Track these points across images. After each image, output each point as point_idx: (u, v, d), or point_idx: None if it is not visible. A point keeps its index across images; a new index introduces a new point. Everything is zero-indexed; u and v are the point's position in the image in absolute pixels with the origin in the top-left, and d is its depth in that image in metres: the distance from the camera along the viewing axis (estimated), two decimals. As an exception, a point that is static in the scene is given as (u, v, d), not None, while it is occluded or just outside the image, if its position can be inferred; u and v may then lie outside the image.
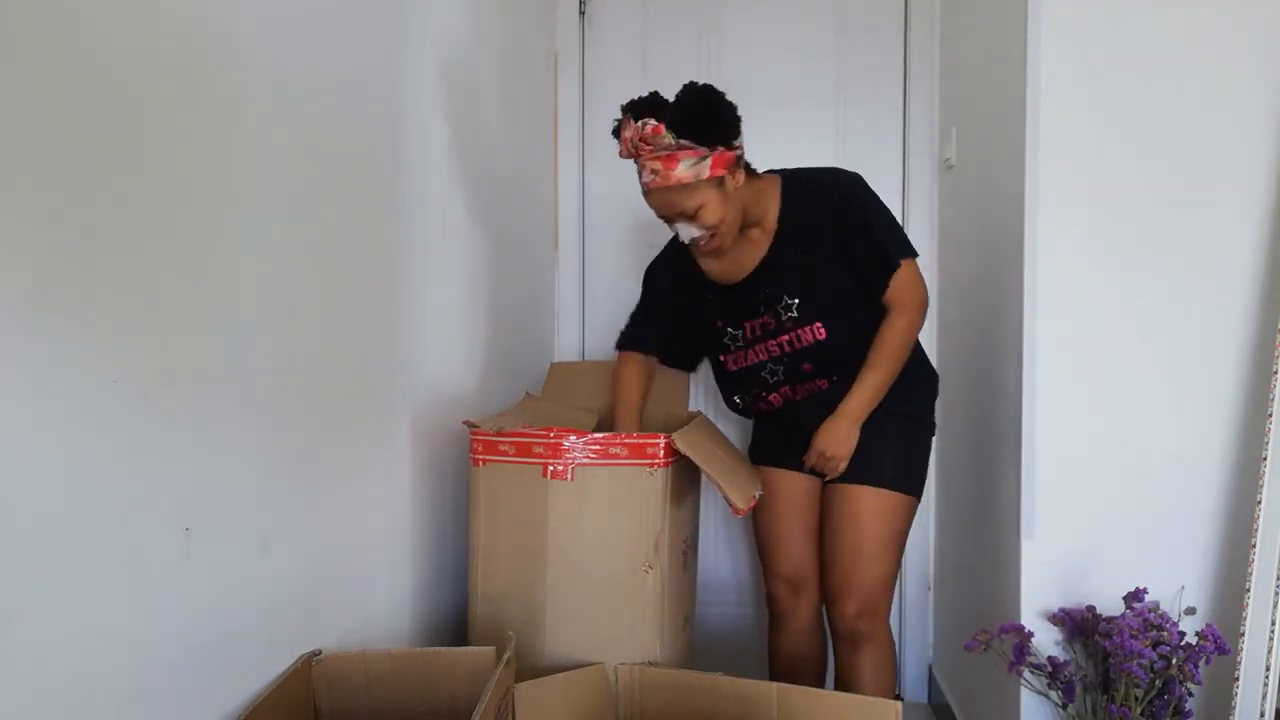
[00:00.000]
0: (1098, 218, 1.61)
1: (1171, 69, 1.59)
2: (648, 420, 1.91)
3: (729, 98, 1.54)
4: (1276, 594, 1.43)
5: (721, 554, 2.71)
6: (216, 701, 1.05)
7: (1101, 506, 1.63)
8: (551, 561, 1.56)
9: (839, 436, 1.69)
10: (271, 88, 1.13)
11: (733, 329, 1.74)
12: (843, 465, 1.71)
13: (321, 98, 1.27)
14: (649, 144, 1.51)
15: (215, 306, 1.03)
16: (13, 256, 0.75)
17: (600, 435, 1.57)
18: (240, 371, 1.07)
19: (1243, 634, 1.45)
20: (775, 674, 1.89)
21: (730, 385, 1.84)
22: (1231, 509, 1.60)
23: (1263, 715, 1.43)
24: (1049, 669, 1.56)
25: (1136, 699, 1.46)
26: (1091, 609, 1.58)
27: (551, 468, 1.56)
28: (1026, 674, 1.58)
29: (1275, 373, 1.48)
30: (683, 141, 1.50)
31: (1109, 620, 1.51)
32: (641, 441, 1.56)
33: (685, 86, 1.52)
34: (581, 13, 2.68)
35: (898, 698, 1.60)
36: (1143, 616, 1.50)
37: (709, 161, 1.52)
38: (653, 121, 1.49)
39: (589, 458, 1.56)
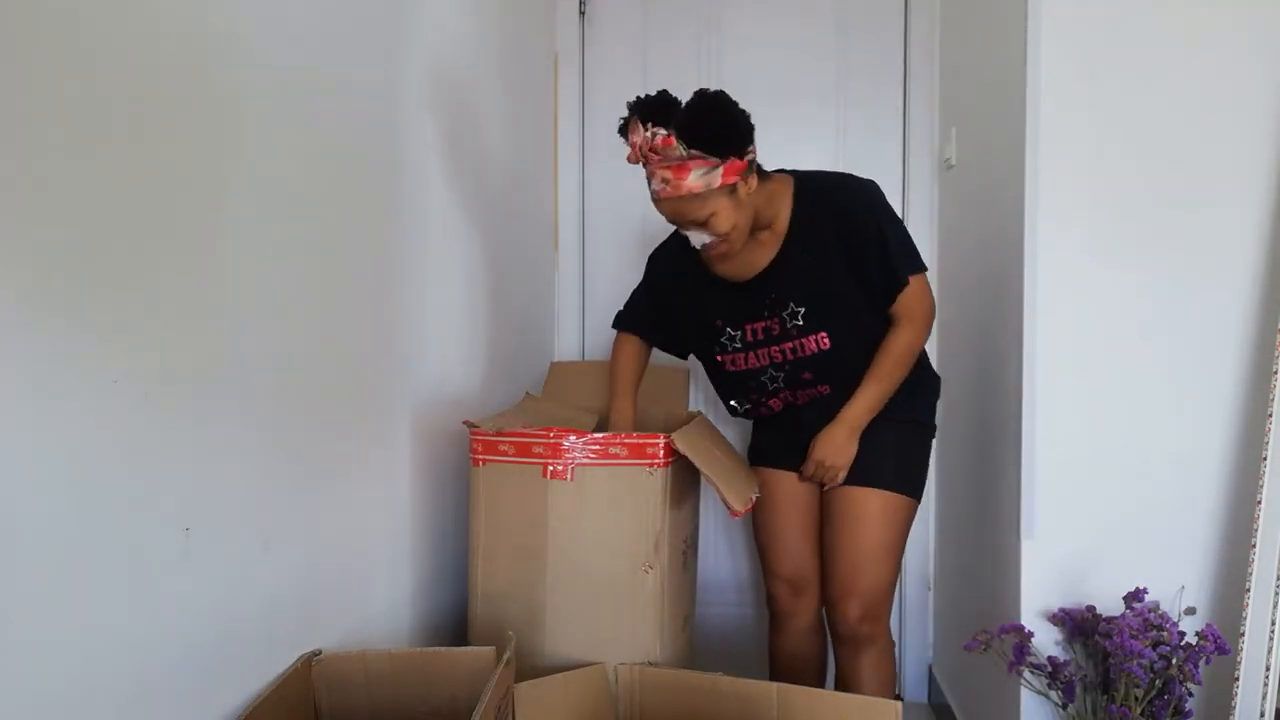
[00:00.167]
0: (1098, 218, 1.61)
1: (1171, 69, 1.59)
2: (648, 420, 1.91)
3: (739, 104, 1.51)
4: (1276, 594, 1.43)
5: (721, 554, 2.71)
6: (216, 701, 1.05)
7: (1101, 506, 1.63)
8: (551, 561, 1.56)
9: (837, 445, 1.68)
10: (271, 87, 1.13)
11: (732, 329, 1.72)
12: (842, 475, 1.70)
13: (321, 98, 1.27)
14: (659, 154, 1.47)
15: (215, 306, 1.03)
16: (13, 256, 0.75)
17: (600, 435, 1.57)
18: (240, 371, 1.07)
19: (1243, 634, 1.45)
20: (776, 675, 1.88)
21: (728, 388, 1.82)
22: (1231, 509, 1.60)
23: (1263, 715, 1.43)
24: (1049, 669, 1.56)
25: (1136, 699, 1.46)
26: (1091, 609, 1.58)
27: (551, 468, 1.56)
28: (1026, 674, 1.58)
29: (1275, 373, 1.48)
30: (694, 151, 1.46)
31: (1109, 620, 1.51)
32: (641, 441, 1.56)
33: (697, 94, 1.48)
34: (581, 13, 2.68)
35: (898, 698, 1.60)
36: (1143, 616, 1.50)
37: (720, 170, 1.48)
38: (663, 132, 1.45)
39: (589, 458, 1.56)
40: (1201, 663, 1.45)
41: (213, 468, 1.02)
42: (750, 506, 1.69)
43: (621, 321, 1.89)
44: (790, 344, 1.67)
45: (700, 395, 2.58)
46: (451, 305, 1.80)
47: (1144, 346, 1.62)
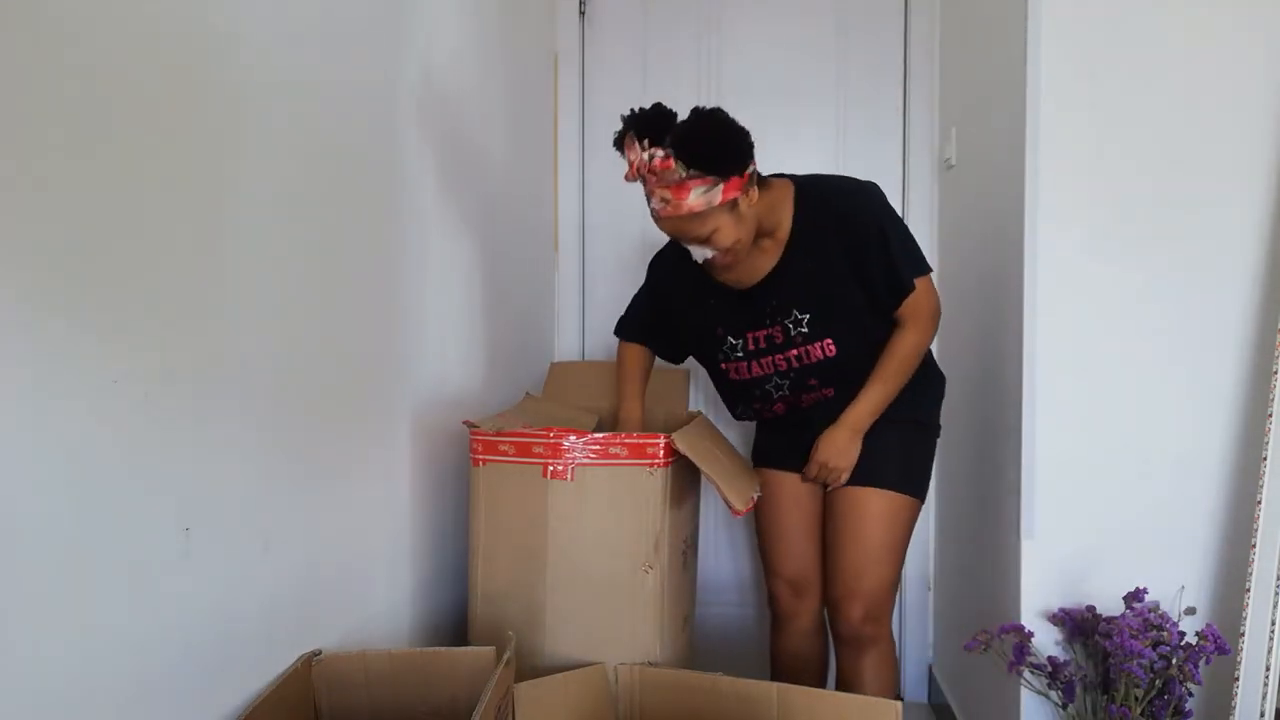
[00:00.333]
0: (1098, 218, 1.61)
1: (1171, 69, 1.59)
2: (649, 420, 1.91)
3: (737, 115, 1.47)
4: (1276, 594, 1.43)
5: (722, 554, 2.71)
6: (216, 701, 1.05)
7: (1102, 506, 1.63)
8: (551, 561, 1.56)
9: (840, 447, 1.68)
10: (271, 88, 1.13)
11: (733, 338, 1.70)
12: (845, 476, 1.70)
13: (321, 98, 1.27)
14: (657, 175, 1.45)
15: (215, 306, 1.03)
16: (13, 256, 0.75)
17: (600, 435, 1.57)
18: (240, 371, 1.07)
19: (1243, 634, 1.45)
20: (777, 675, 1.88)
21: (732, 396, 1.82)
22: (1231, 509, 1.60)
23: (1263, 715, 1.43)
24: (1049, 669, 1.56)
25: (1136, 699, 1.46)
26: (1091, 609, 1.58)
27: (551, 468, 1.56)
28: (1026, 674, 1.58)
29: (1275, 373, 1.48)
30: (693, 171, 1.44)
31: (1109, 620, 1.51)
32: (641, 441, 1.56)
33: (694, 113, 1.45)
34: (581, 13, 2.68)
35: (898, 698, 1.60)
36: (1143, 616, 1.50)
37: (721, 188, 1.46)
38: (660, 154, 1.42)
39: (589, 458, 1.56)
40: (1201, 663, 1.45)
41: (213, 468, 1.02)
42: (752, 505, 1.69)
43: (623, 330, 1.89)
44: (795, 351, 1.66)
45: (700, 395, 2.58)
46: (451, 305, 1.80)
47: (1144, 346, 1.62)
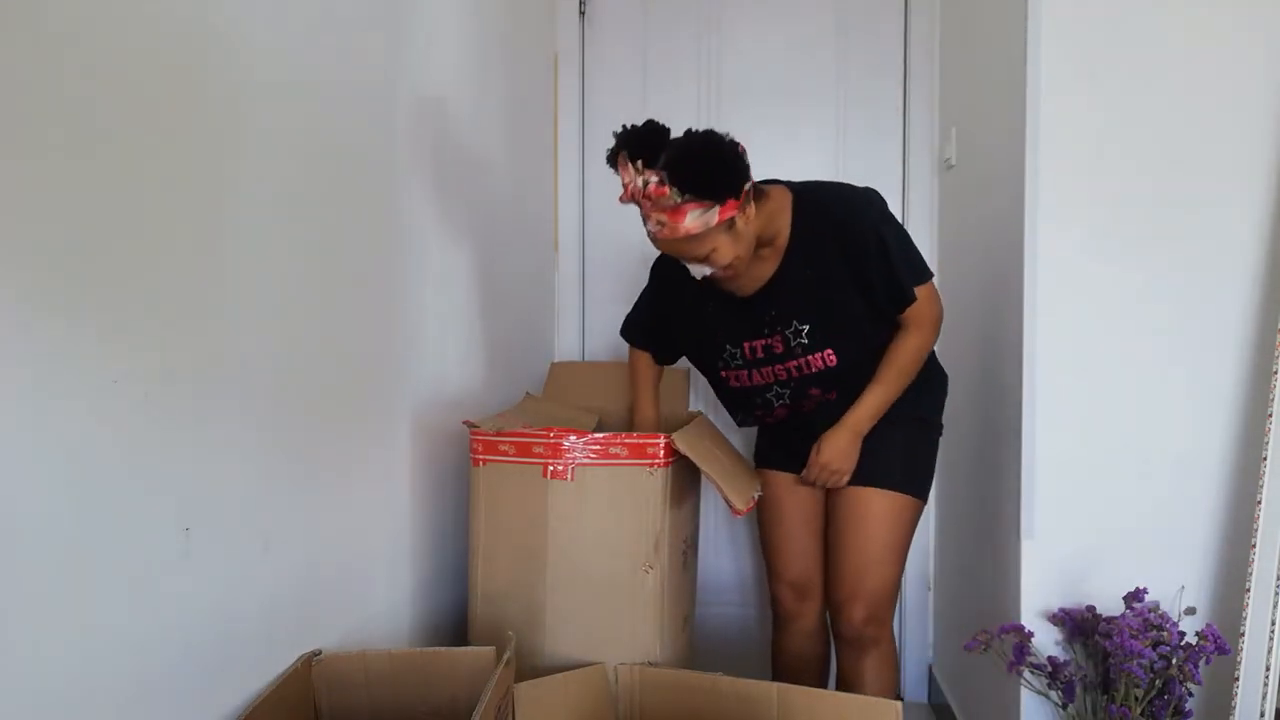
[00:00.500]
0: (1098, 217, 1.61)
1: (1171, 69, 1.59)
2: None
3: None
4: (1276, 594, 1.43)
5: (723, 554, 2.71)
6: (216, 701, 1.05)
7: (1101, 506, 1.63)
8: (551, 561, 1.56)
9: (841, 450, 1.67)
10: (271, 88, 1.13)
11: (731, 346, 1.70)
12: (845, 479, 1.69)
13: (322, 97, 1.27)
14: (651, 201, 1.43)
15: (215, 306, 1.03)
16: (13, 256, 0.75)
17: (600, 435, 1.57)
18: (240, 371, 1.07)
19: (1243, 634, 1.45)
20: (778, 675, 1.88)
21: (733, 403, 1.81)
22: (1231, 509, 1.60)
23: (1263, 715, 1.43)
24: (1049, 669, 1.56)
25: (1136, 699, 1.46)
26: (1091, 609, 1.58)
27: (551, 468, 1.56)
28: (1026, 674, 1.58)
29: (1275, 373, 1.48)
30: (688, 196, 1.42)
31: (1109, 620, 1.51)
32: (641, 441, 1.56)
33: (686, 136, 1.43)
34: (581, 13, 2.68)
35: (898, 698, 1.60)
36: (1143, 616, 1.50)
37: (717, 210, 1.44)
38: (654, 180, 1.40)
39: (589, 458, 1.56)
40: (1201, 663, 1.45)
41: (213, 468, 1.02)
42: (753, 505, 1.69)
43: (628, 333, 1.89)
44: (795, 363, 1.65)
45: (700, 395, 2.58)
46: (451, 305, 1.80)
47: (1144, 346, 1.62)
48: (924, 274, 1.63)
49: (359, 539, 1.41)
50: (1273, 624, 1.43)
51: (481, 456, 1.60)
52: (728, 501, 1.59)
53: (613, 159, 1.46)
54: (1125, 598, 1.55)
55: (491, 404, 2.01)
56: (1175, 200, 1.60)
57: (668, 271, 1.77)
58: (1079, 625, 1.58)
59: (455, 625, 1.77)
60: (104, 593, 0.86)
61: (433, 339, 1.69)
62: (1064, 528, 1.63)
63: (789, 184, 1.65)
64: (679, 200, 1.41)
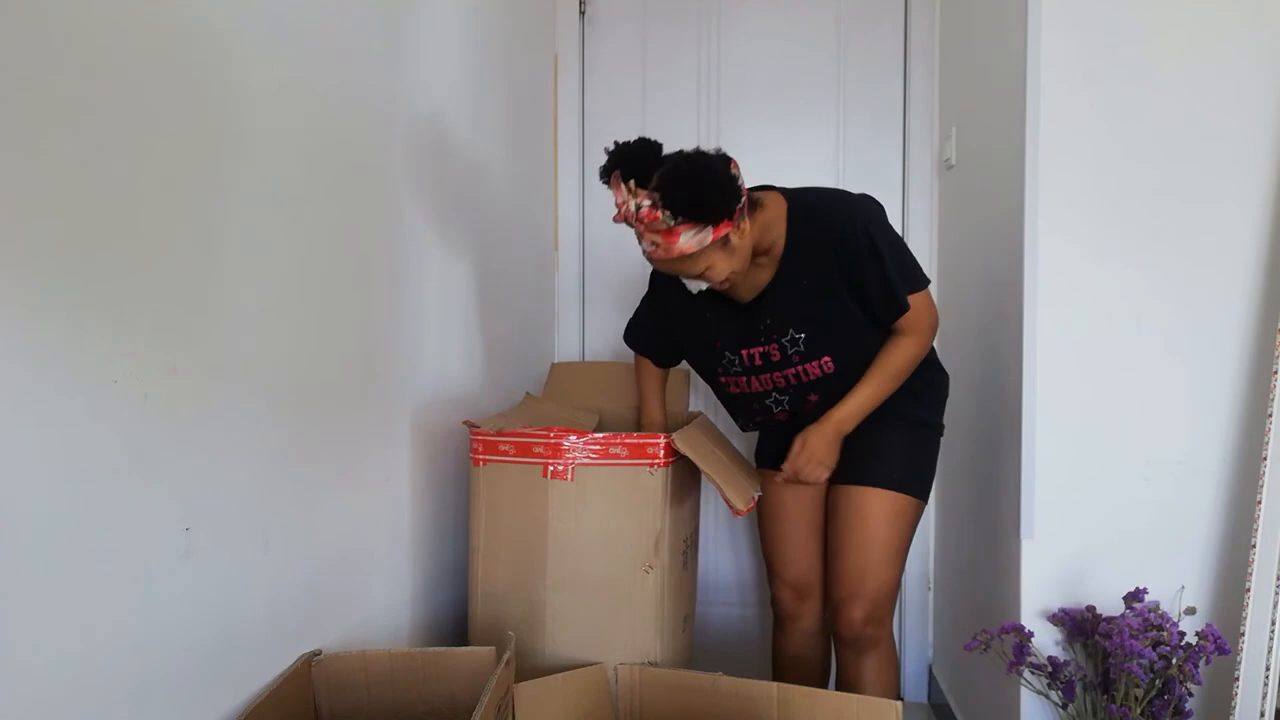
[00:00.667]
0: (1098, 217, 1.61)
1: (1172, 67, 1.59)
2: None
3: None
4: (1276, 594, 1.43)
5: (723, 554, 2.71)
6: (216, 701, 1.05)
7: (1102, 506, 1.63)
8: (551, 561, 1.56)
9: (820, 454, 1.64)
10: (271, 88, 1.13)
11: (730, 353, 1.69)
12: (824, 475, 1.68)
13: (322, 97, 1.27)
14: (645, 224, 1.43)
15: (216, 306, 1.03)
16: (13, 256, 0.75)
17: (600, 435, 1.57)
18: (241, 372, 1.07)
19: (1243, 634, 1.45)
20: (778, 675, 1.88)
21: (734, 408, 1.82)
22: (1231, 509, 1.60)
23: (1263, 715, 1.43)
24: (1049, 669, 1.56)
25: (1136, 699, 1.46)
26: (1091, 609, 1.58)
27: (551, 468, 1.56)
28: (1026, 674, 1.58)
29: (1275, 373, 1.48)
30: (680, 219, 1.41)
31: (1109, 620, 1.51)
32: (641, 441, 1.56)
33: (676, 158, 1.42)
34: (581, 13, 2.68)
35: (898, 698, 1.60)
36: (1143, 616, 1.50)
37: (710, 230, 1.43)
38: (646, 204, 1.39)
39: (589, 458, 1.56)
40: (1201, 663, 1.45)
41: (213, 468, 1.02)
42: (753, 505, 1.69)
43: (629, 338, 1.90)
44: (792, 370, 1.65)
45: (701, 396, 2.58)
46: (452, 305, 1.80)
47: (1144, 346, 1.62)
48: (918, 282, 1.62)
49: (359, 539, 1.41)
50: (1273, 624, 1.43)
51: (482, 456, 1.60)
52: (728, 502, 1.59)
53: (606, 176, 1.45)
54: (1125, 598, 1.55)
55: (491, 404, 2.01)
56: (1176, 199, 1.60)
57: (665, 279, 1.77)
58: (1079, 625, 1.58)
59: (455, 625, 1.77)
60: (104, 593, 0.86)
61: (433, 339, 1.69)
62: (1064, 528, 1.63)
63: (784, 191, 1.65)
64: (672, 223, 1.41)
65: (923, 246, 2.56)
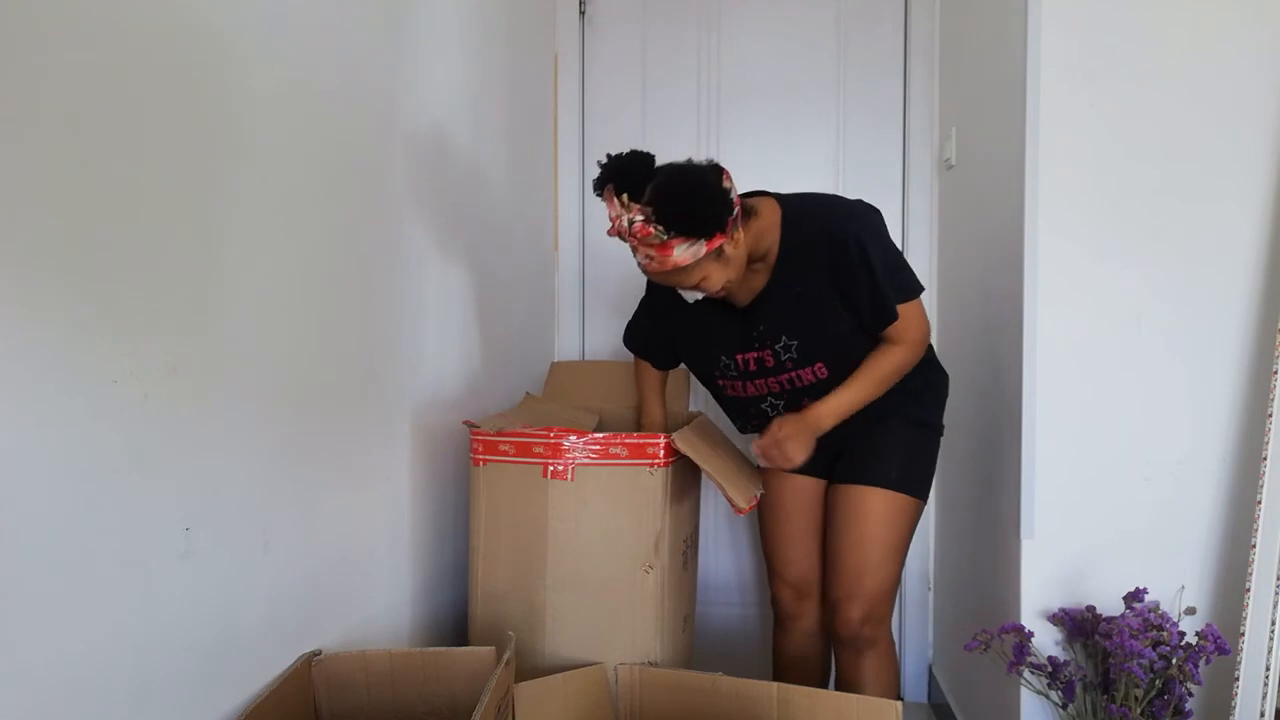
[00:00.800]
0: (1098, 217, 1.61)
1: (1172, 68, 1.59)
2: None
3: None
4: (1276, 594, 1.43)
5: (723, 553, 2.71)
6: (216, 701, 1.05)
7: (1102, 506, 1.63)
8: (551, 561, 1.56)
9: (795, 437, 1.60)
10: (271, 88, 1.13)
11: (725, 357, 1.70)
12: (791, 465, 1.62)
13: (321, 98, 1.27)
14: (638, 239, 1.43)
15: (216, 306, 1.03)
16: (13, 256, 0.75)
17: (600, 435, 1.57)
18: (241, 372, 1.07)
19: (1243, 634, 1.45)
20: (779, 675, 1.88)
21: (730, 411, 1.82)
22: (1231, 509, 1.60)
23: (1263, 715, 1.43)
24: (1049, 669, 1.56)
25: (1136, 699, 1.46)
26: (1091, 609, 1.58)
27: (551, 468, 1.56)
28: (1026, 674, 1.58)
29: (1275, 373, 1.48)
30: (673, 234, 1.41)
31: (1109, 620, 1.51)
32: (641, 441, 1.56)
33: (667, 172, 1.43)
34: (581, 13, 2.68)
35: (898, 698, 1.60)
36: (1143, 616, 1.50)
37: (704, 242, 1.43)
38: (639, 219, 1.39)
39: (589, 458, 1.56)
40: (1201, 663, 1.45)
41: (213, 468, 1.02)
42: (755, 504, 1.69)
43: (629, 342, 1.90)
44: (786, 376, 1.65)
45: (701, 396, 2.58)
46: (452, 305, 1.80)
47: (1144, 346, 1.62)
48: (909, 292, 1.60)
49: (359, 539, 1.41)
50: (1273, 624, 1.43)
51: (481, 456, 1.60)
52: (730, 501, 1.59)
53: (599, 190, 1.45)
54: (1125, 598, 1.55)
55: (491, 404, 2.01)
56: (1176, 199, 1.60)
57: (662, 284, 1.78)
58: (1079, 625, 1.58)
59: (455, 625, 1.77)
60: (104, 593, 0.86)
61: (433, 339, 1.69)
62: (1064, 528, 1.63)
63: (778, 197, 1.64)
64: (665, 238, 1.41)
65: (922, 246, 2.56)
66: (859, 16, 2.60)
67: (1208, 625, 1.48)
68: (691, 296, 1.57)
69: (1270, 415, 1.47)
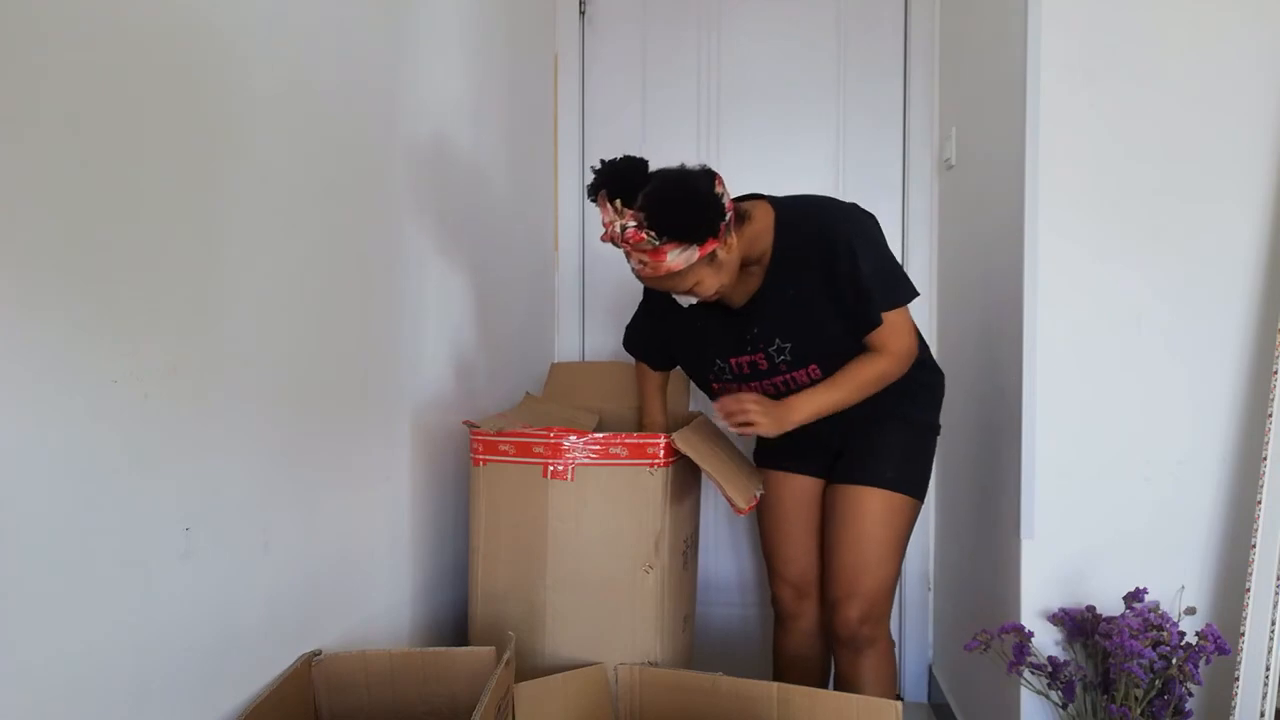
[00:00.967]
0: (1098, 217, 1.61)
1: (1172, 68, 1.59)
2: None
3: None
4: (1276, 594, 1.43)
5: (724, 553, 2.71)
6: (216, 701, 1.05)
7: (1102, 506, 1.63)
8: (551, 561, 1.56)
9: (765, 410, 1.56)
10: (271, 88, 1.13)
11: (720, 360, 1.70)
12: (750, 431, 1.57)
13: (321, 98, 1.27)
14: (630, 244, 1.42)
15: (216, 306, 1.03)
16: (13, 256, 0.75)
17: (600, 435, 1.57)
18: (241, 372, 1.07)
19: (1243, 634, 1.45)
20: (779, 675, 1.88)
21: None
22: (1231, 509, 1.60)
23: (1263, 715, 1.43)
24: (1049, 669, 1.56)
25: (1136, 699, 1.46)
26: (1091, 609, 1.58)
27: (551, 468, 1.56)
28: (1026, 674, 1.58)
29: (1275, 373, 1.48)
30: (665, 239, 1.40)
31: (1109, 620, 1.51)
32: (641, 441, 1.56)
33: (660, 178, 1.42)
34: (581, 13, 2.68)
35: (898, 698, 1.60)
36: (1143, 616, 1.50)
37: (696, 248, 1.43)
38: (631, 225, 1.39)
39: (589, 458, 1.56)
40: (1201, 663, 1.45)
41: (213, 468, 1.02)
42: (755, 503, 1.69)
43: (628, 345, 1.91)
44: (781, 378, 1.65)
45: (701, 396, 2.57)
46: (452, 305, 1.80)
47: (1144, 346, 1.62)
48: (897, 298, 1.59)
49: (359, 539, 1.41)
50: (1273, 624, 1.43)
51: (481, 456, 1.60)
52: (730, 501, 1.59)
53: (593, 196, 1.45)
54: (1125, 598, 1.55)
55: (491, 404, 2.01)
56: (1176, 199, 1.60)
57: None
58: (1079, 625, 1.58)
59: (455, 625, 1.77)
60: (104, 593, 0.86)
61: (432, 339, 1.69)
62: (1064, 528, 1.63)
63: (772, 200, 1.64)
64: (658, 243, 1.41)
65: (922, 246, 2.56)
66: (859, 16, 2.60)
67: (1208, 625, 1.48)
68: (686, 301, 1.57)
69: (1270, 415, 1.47)
